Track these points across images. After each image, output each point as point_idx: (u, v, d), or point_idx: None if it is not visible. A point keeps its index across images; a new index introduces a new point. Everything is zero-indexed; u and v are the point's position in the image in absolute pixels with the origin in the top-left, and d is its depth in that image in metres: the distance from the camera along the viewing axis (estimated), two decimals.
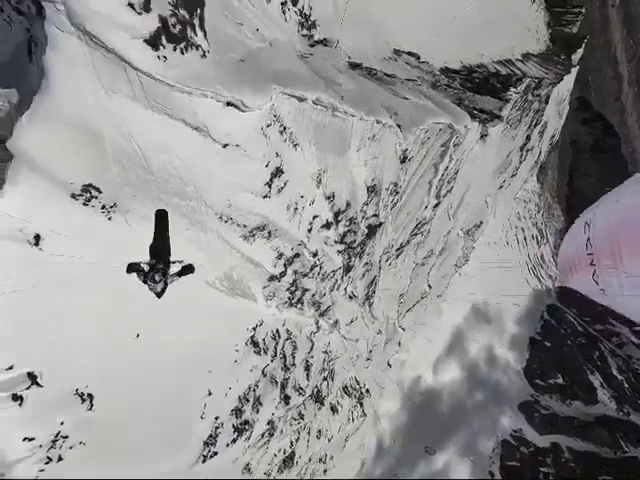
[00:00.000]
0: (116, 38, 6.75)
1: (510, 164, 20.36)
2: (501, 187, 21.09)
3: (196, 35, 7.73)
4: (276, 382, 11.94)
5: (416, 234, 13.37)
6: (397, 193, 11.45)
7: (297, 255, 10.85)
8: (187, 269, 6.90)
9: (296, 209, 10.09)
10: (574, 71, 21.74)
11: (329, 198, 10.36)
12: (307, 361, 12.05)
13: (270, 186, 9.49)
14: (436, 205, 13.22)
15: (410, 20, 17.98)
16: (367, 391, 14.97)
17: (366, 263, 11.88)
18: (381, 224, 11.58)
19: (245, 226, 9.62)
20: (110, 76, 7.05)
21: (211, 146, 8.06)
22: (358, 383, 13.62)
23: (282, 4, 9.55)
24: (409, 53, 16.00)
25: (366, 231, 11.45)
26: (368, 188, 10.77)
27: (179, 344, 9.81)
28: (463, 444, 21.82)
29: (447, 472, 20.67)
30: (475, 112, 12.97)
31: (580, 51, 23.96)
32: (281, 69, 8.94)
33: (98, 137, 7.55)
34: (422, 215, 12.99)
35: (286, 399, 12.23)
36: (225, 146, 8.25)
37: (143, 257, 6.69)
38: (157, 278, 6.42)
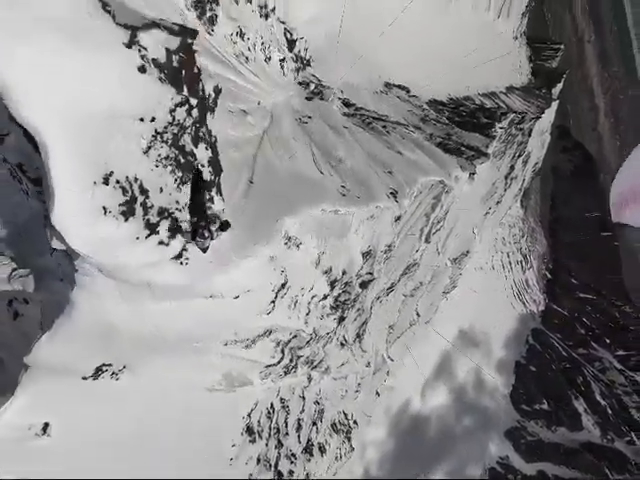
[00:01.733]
0: (144, 274, 7.32)
1: (496, 192, 20.95)
2: (487, 213, 21.60)
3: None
4: (270, 465, 11.94)
5: (406, 273, 13.57)
6: (391, 250, 11.67)
7: (295, 337, 11.06)
8: (225, 225, 7.33)
9: (296, 302, 10.35)
10: (554, 104, 22.75)
11: (326, 272, 10.50)
12: (299, 421, 11.92)
13: (275, 302, 9.79)
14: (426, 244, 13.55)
15: (400, 54, 18.62)
16: (355, 422, 14.79)
17: (358, 309, 11.96)
18: (374, 279, 11.77)
19: (247, 339, 9.83)
20: (133, 292, 7.56)
21: (223, 302, 8.38)
22: (346, 417, 13.46)
23: (281, 60, 9.85)
24: (399, 86, 16.51)
25: (360, 288, 11.60)
26: (363, 254, 10.95)
27: (177, 450, 9.83)
28: (451, 471, 21.64)
29: None
30: (463, 149, 13.39)
31: (560, 85, 25.15)
32: (285, 186, 9.17)
33: (114, 329, 7.95)
34: (413, 258, 13.23)
35: (279, 475, 12.19)
36: (236, 297, 8.56)
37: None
38: (206, 234, 6.87)
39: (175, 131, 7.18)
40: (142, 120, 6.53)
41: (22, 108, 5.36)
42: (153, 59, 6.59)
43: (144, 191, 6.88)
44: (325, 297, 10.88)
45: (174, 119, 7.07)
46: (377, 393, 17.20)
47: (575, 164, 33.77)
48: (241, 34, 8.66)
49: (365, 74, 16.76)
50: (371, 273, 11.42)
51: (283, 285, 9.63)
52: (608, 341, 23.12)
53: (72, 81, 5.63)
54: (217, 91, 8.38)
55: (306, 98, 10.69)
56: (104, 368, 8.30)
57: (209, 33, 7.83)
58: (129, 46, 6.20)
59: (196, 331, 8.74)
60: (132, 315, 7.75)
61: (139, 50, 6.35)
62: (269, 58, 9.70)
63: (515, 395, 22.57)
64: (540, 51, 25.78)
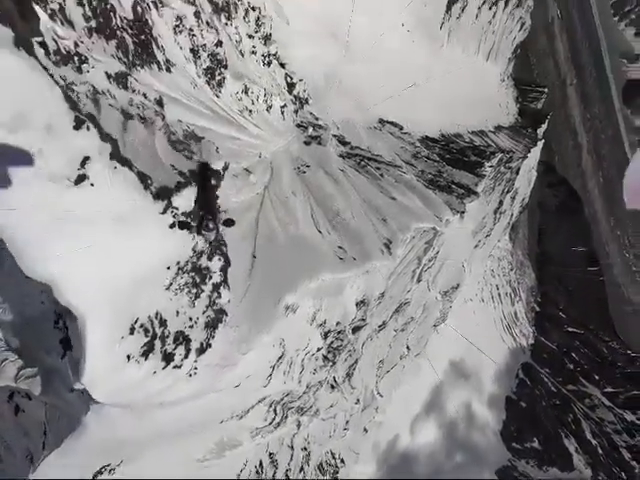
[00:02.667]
0: (157, 398, 7.72)
1: (485, 226, 21.36)
2: (477, 246, 21.92)
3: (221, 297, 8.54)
4: None
5: (398, 311, 13.60)
6: (384, 296, 11.79)
7: (287, 395, 10.99)
8: (229, 222, 7.42)
9: (291, 364, 10.41)
10: (540, 144, 23.69)
11: (320, 326, 10.56)
12: (287, 472, 11.54)
13: (272, 375, 9.90)
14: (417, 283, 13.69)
15: (394, 92, 19.36)
16: (342, 461, 14.27)
17: (349, 350, 11.88)
18: (367, 324, 11.82)
19: (242, 412, 9.85)
20: (143, 409, 7.85)
21: (224, 393, 8.48)
22: (333, 456, 13.00)
23: (282, 107, 10.32)
24: (392, 123, 17.08)
25: (352, 333, 11.62)
26: (357, 304, 11.05)
27: None
28: None
29: None
30: (453, 186, 13.77)
31: (544, 125, 26.31)
32: (286, 256, 9.54)
33: (119, 440, 8.08)
34: (405, 297, 13.31)
35: None
36: (237, 386, 8.72)
37: None
38: (211, 226, 6.88)
39: (195, 259, 7.63)
40: (169, 268, 7.02)
41: (65, 294, 5.66)
42: (183, 213, 7.15)
43: (163, 322, 7.34)
44: (318, 349, 10.80)
45: (195, 252, 7.49)
46: (365, 429, 16.72)
47: (560, 199, 34.84)
48: (245, 90, 9.13)
49: (360, 110, 17.34)
50: (364, 319, 11.44)
51: (280, 357, 9.65)
52: (597, 377, 23.08)
53: (110, 259, 6.15)
54: (225, 168, 8.75)
55: (304, 142, 11.06)
56: (102, 470, 8.31)
57: (217, 95, 8.29)
58: (164, 212, 6.70)
59: (195, 421, 8.81)
60: (139, 426, 7.70)
61: (172, 212, 6.86)
62: (270, 106, 10.16)
63: (506, 432, 22.15)
64: (526, 93, 27.09)
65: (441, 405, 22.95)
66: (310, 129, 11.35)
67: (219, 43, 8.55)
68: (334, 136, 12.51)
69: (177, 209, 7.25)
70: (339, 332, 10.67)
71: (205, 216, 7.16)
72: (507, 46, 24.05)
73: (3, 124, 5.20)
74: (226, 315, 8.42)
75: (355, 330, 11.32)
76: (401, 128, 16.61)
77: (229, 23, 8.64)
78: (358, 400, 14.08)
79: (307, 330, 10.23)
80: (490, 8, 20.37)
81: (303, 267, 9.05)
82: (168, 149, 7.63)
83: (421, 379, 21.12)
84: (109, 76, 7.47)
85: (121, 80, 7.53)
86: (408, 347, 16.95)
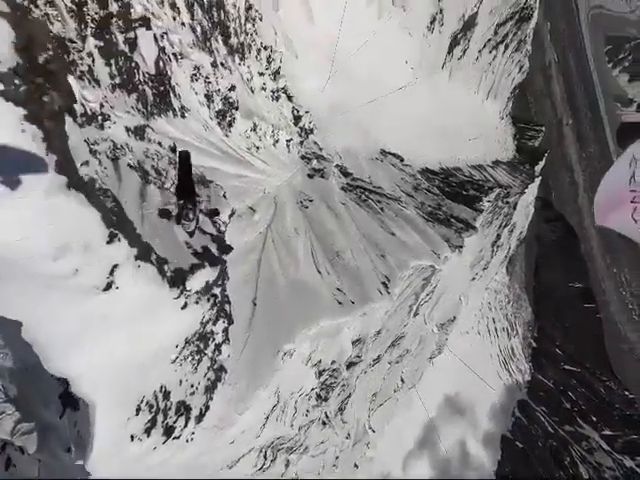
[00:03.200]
0: (156, 469, 7.76)
1: (482, 259, 21.44)
2: (474, 279, 21.91)
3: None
4: None
5: (394, 345, 13.48)
6: (380, 334, 11.77)
7: (279, 438, 10.86)
8: (213, 212, 7.39)
9: (284, 410, 10.38)
10: (537, 180, 24.17)
11: (315, 365, 10.53)
12: None
13: (265, 424, 9.91)
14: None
15: (396, 125, 19.93)
16: None
17: (342, 385, 11.68)
18: (362, 360, 11.73)
19: (233, 461, 9.82)
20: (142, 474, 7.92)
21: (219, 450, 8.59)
22: None
23: (288, 140, 10.69)
24: (394, 155, 17.49)
25: (347, 369, 11.51)
26: (354, 342, 11.04)
27: None
28: None
29: None
30: (452, 220, 13.95)
31: (542, 163, 26.97)
32: (286, 301, 9.77)
33: None
34: (401, 331, 13.23)
35: None
36: (232, 442, 8.78)
37: None
38: (191, 216, 6.86)
39: (201, 329, 7.80)
40: (177, 346, 7.27)
41: (82, 386, 6.20)
42: (196, 292, 7.42)
43: (166, 395, 7.51)
44: (312, 389, 10.65)
45: (202, 323, 7.69)
46: (356, 465, 16.11)
47: (557, 235, 35.18)
48: (254, 128, 9.55)
49: (363, 141, 17.79)
50: (359, 356, 11.32)
51: (275, 405, 9.57)
52: (594, 419, 22.55)
53: (124, 347, 6.38)
54: (231, 214, 9.02)
55: (308, 175, 11.33)
56: None
57: (227, 135, 8.70)
58: (178, 297, 7.00)
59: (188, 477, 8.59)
60: None
61: (185, 295, 7.16)
62: (277, 141, 10.53)
63: (501, 473, 21.39)
64: (524, 131, 27.93)
65: (435, 441, 22.24)
66: (314, 161, 11.65)
67: (232, 88, 9.02)
68: (337, 166, 12.78)
69: (190, 291, 7.46)
70: (334, 370, 10.52)
71: (185, 205, 7.12)
72: (506, 86, 24.99)
73: (49, 255, 5.67)
74: (225, 372, 8.55)
75: (349, 366, 11.15)
76: (402, 160, 16.99)
77: (242, 63, 9.14)
78: (349, 435, 13.63)
79: (302, 371, 10.19)
80: (490, 51, 21.30)
81: (302, 314, 9.09)
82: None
83: (414, 413, 20.56)
84: (128, 129, 7.99)
85: (139, 132, 8.05)
86: (402, 380, 16.61)
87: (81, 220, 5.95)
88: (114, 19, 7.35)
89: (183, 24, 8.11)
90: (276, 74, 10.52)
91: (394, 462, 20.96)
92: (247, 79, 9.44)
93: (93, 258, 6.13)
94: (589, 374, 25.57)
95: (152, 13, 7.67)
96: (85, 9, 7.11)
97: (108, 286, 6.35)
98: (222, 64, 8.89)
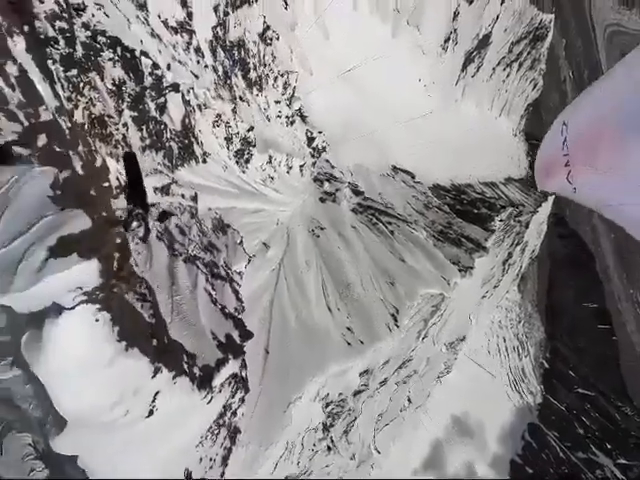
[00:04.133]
0: None
1: (493, 277, 21.12)
2: (484, 297, 21.57)
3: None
4: None
5: (401, 367, 13.31)
6: (388, 363, 11.70)
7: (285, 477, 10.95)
8: (164, 215, 7.21)
9: (291, 450, 10.48)
10: (551, 199, 23.85)
11: (323, 399, 10.56)
12: None
13: (274, 471, 10.08)
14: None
15: (408, 141, 19.98)
16: None
17: (348, 410, 11.58)
18: (369, 388, 11.66)
19: None
20: None
21: None
22: None
23: (300, 166, 11.08)
24: (405, 171, 17.50)
25: (353, 397, 11.46)
26: (361, 374, 11.03)
27: None
28: None
29: None
30: (463, 240, 13.84)
31: None
32: (297, 346, 10.08)
33: None
34: (409, 355, 13.08)
35: None
36: None
37: None
38: (138, 222, 6.67)
39: (222, 410, 8.20)
40: (201, 435, 7.74)
41: None
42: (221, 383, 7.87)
43: (189, 476, 7.84)
44: (319, 422, 10.66)
45: (224, 406, 8.12)
46: None
47: (571, 252, 34.41)
48: (270, 160, 10.01)
49: (375, 157, 17.87)
50: (366, 385, 11.25)
51: (283, 453, 9.72)
52: (609, 446, 21.73)
53: (158, 450, 7.16)
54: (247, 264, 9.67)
55: (320, 199, 11.52)
56: None
57: (243, 172, 9.19)
58: (206, 396, 7.44)
59: None
60: None
61: (212, 392, 7.61)
62: (291, 167, 10.90)
63: None
64: (536, 148, 27.72)
65: (441, 462, 21.69)
66: (326, 184, 11.88)
67: (251, 128, 9.64)
68: (348, 184, 12.87)
69: (215, 387, 7.99)
70: (341, 400, 10.46)
71: (135, 211, 7.08)
72: (520, 104, 24.90)
73: (106, 407, 6.38)
74: (239, 432, 8.75)
75: (356, 394, 11.06)
76: (413, 177, 16.99)
77: (259, 94, 9.69)
78: (354, 456, 13.40)
79: (310, 409, 10.22)
80: (504, 69, 21.31)
81: (312, 362, 9.26)
82: (209, 306, 8.34)
83: (421, 433, 20.14)
84: (155, 189, 8.73)
85: (165, 189, 8.85)
86: (409, 400, 16.33)
87: (135, 371, 6.65)
88: (147, 91, 8.07)
89: (206, 66, 8.66)
90: (291, 98, 10.95)
91: None
92: (264, 108, 9.97)
93: (141, 396, 6.81)
94: (604, 399, 24.72)
95: (178, 61, 8.33)
96: (123, 88, 7.79)
97: (150, 412, 7.00)
98: (240, 97, 9.42)
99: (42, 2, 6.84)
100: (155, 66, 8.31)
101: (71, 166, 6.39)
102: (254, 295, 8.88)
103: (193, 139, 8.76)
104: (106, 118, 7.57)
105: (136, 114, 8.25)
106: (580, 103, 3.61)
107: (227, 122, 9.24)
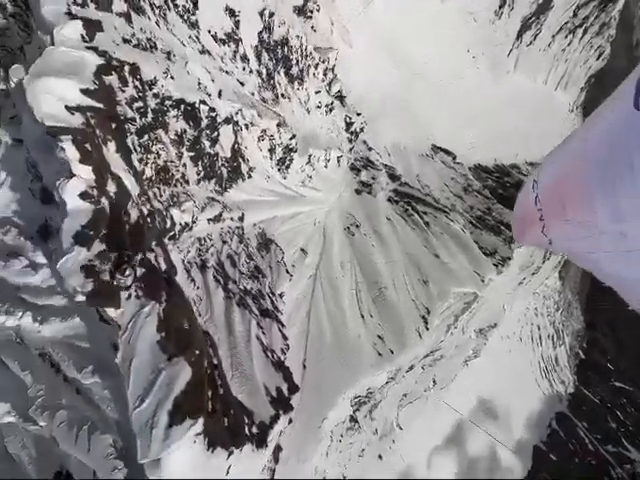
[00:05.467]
0: None
1: (532, 263, 20.22)
2: (520, 284, 20.81)
3: None
4: None
5: (428, 356, 13.33)
6: (417, 358, 11.73)
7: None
8: (148, 266, 6.83)
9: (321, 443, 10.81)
10: None
11: (352, 398, 10.81)
12: None
13: None
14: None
15: (451, 117, 18.93)
16: None
17: (375, 398, 11.87)
18: (395, 380, 11.81)
19: None
20: None
21: None
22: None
23: (338, 157, 11.09)
24: (445, 151, 16.73)
25: (379, 389, 11.68)
26: (389, 372, 11.12)
27: None
28: None
29: None
30: (502, 228, 13.23)
31: None
32: (331, 359, 10.28)
33: None
34: (437, 346, 13.02)
35: None
36: None
37: None
38: (127, 272, 6.49)
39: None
40: None
41: None
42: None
43: None
44: (346, 416, 11.11)
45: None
46: (380, 456, 16.53)
47: None
48: (309, 161, 10.14)
49: (414, 136, 17.18)
50: (393, 378, 11.46)
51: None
52: None
53: None
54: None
55: (356, 191, 11.45)
56: None
57: (284, 177, 9.46)
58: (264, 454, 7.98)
59: None
60: None
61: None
62: (328, 160, 10.90)
63: None
64: None
65: (463, 442, 22.04)
66: (363, 172, 11.76)
67: (293, 137, 9.90)
68: (384, 166, 12.55)
69: (270, 442, 8.29)
70: (369, 393, 10.79)
71: (120, 258, 6.57)
72: (580, 75, 22.61)
73: None
74: (281, 450, 9.38)
75: (383, 386, 11.35)
76: (454, 157, 16.24)
77: (300, 88, 9.83)
78: (376, 430, 13.97)
79: (339, 406, 10.59)
80: (566, 37, 19.28)
81: (344, 379, 9.59)
82: (261, 357, 8.99)
83: (445, 412, 20.43)
84: (209, 220, 9.62)
85: (217, 218, 9.69)
86: (435, 381, 16.51)
87: (217, 465, 6.91)
88: (204, 131, 8.56)
89: (251, 71, 9.03)
90: (331, 82, 10.86)
91: (419, 456, 21.13)
92: (304, 101, 10.15)
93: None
94: None
95: (226, 71, 8.70)
96: (184, 135, 8.41)
97: None
98: (282, 95, 9.72)
99: (123, 91, 7.69)
100: (211, 110, 9.06)
101: (166, 295, 6.94)
102: (294, 307, 9.35)
103: (240, 159, 9.31)
104: (169, 164, 8.33)
105: (193, 153, 9.09)
106: (548, 160, 3.89)
107: (271, 135, 9.54)
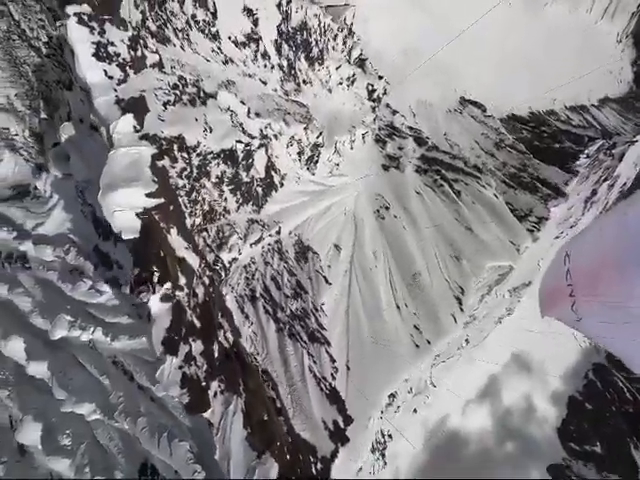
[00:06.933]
0: None
1: (571, 217, 19.24)
2: (557, 237, 20.00)
3: None
4: None
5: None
6: None
7: None
8: (163, 278, 7.37)
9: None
10: None
11: None
12: None
13: None
14: None
15: (480, 63, 17.48)
16: (390, 436, 15.19)
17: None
18: None
19: None
20: None
21: None
22: (382, 434, 13.89)
23: (363, 135, 10.95)
24: (475, 103, 15.65)
25: None
26: None
27: None
28: None
29: None
30: (538, 185, 12.49)
31: None
32: (372, 366, 10.35)
33: None
34: (471, 314, 12.92)
35: None
36: None
37: None
38: (147, 288, 6.86)
39: None
40: None
41: None
42: None
43: None
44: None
45: None
46: (415, 410, 17.36)
47: None
48: (335, 149, 10.00)
49: (440, 89, 16.11)
50: (433, 364, 11.62)
51: None
52: None
53: None
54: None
55: (383, 167, 11.15)
56: None
57: (313, 174, 9.50)
58: None
59: None
60: None
61: None
62: (353, 141, 10.69)
63: (565, 431, 21.33)
64: None
65: (497, 394, 22.59)
66: (389, 144, 11.40)
67: (320, 134, 10.57)
68: (410, 129, 11.99)
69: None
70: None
71: (142, 276, 6.83)
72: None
73: None
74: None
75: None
76: (484, 110, 15.17)
77: (322, 68, 9.74)
78: (411, 389, 14.56)
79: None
80: None
81: (384, 377, 9.82)
82: (316, 391, 9.42)
83: (478, 367, 20.84)
84: (251, 245, 10.08)
85: (257, 242, 10.10)
86: (467, 340, 16.71)
87: None
88: (241, 164, 9.53)
89: (272, 67, 9.00)
90: (351, 49, 10.54)
91: (453, 409, 21.96)
92: (326, 81, 10.02)
93: None
94: None
95: (249, 75, 8.81)
96: (224, 175, 9.38)
97: None
98: (304, 81, 9.68)
99: (174, 167, 8.47)
100: (247, 145, 9.53)
101: (243, 383, 7.43)
102: (334, 307, 9.66)
103: (273, 172, 9.53)
104: (212, 203, 8.75)
105: (233, 186, 9.68)
106: (583, 235, 3.84)
107: (299, 140, 9.49)
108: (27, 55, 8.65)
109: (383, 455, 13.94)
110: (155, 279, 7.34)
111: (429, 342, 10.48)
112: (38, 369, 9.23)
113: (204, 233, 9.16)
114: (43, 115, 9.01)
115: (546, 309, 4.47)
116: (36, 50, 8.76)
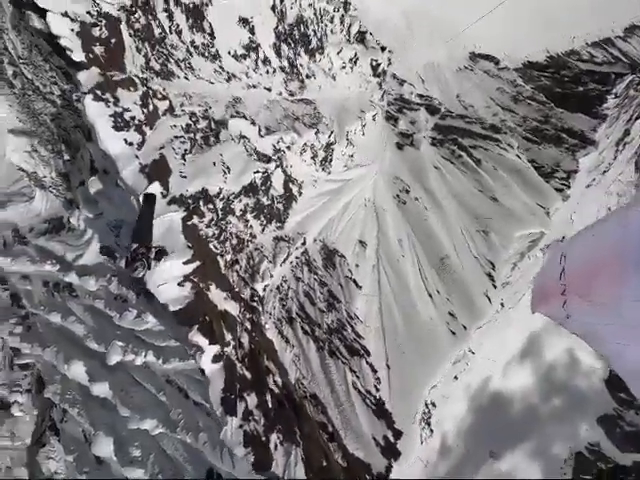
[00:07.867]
0: None
1: (603, 162, 18.15)
2: (589, 186, 18.98)
3: None
4: None
5: None
6: None
7: None
8: (161, 252, 7.58)
9: None
10: None
11: None
12: None
13: None
14: None
15: (488, 9, 16.37)
16: (433, 404, 15.45)
17: None
18: None
19: None
20: None
21: None
22: (427, 406, 14.16)
23: (373, 116, 10.83)
24: (486, 57, 14.77)
25: None
26: None
27: None
28: (532, 450, 21.52)
29: (513, 476, 20.71)
30: (563, 135, 11.77)
31: None
32: (410, 363, 10.38)
33: None
34: (505, 280, 12.61)
35: None
36: None
37: None
38: (141, 263, 6.73)
39: None
40: None
41: None
42: None
43: None
44: None
45: None
46: (456, 377, 17.47)
47: None
48: (348, 141, 9.79)
49: (446, 48, 15.30)
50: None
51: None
52: None
53: None
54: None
55: (397, 145, 10.91)
56: None
57: (329, 173, 9.47)
58: None
59: None
60: None
61: None
62: (364, 126, 10.51)
63: (613, 381, 20.96)
64: None
65: (539, 352, 22.34)
66: (400, 120, 11.08)
67: (331, 133, 10.37)
68: (420, 98, 11.54)
69: None
70: None
71: (138, 252, 6.68)
72: None
73: None
74: None
75: None
76: (497, 62, 14.28)
77: (322, 56, 9.60)
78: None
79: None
80: None
81: (425, 371, 9.82)
82: (363, 408, 9.50)
83: (516, 329, 20.57)
84: (281, 264, 10.11)
85: (285, 260, 10.11)
86: (502, 304, 16.43)
87: None
88: (260, 190, 9.45)
89: (274, 71, 9.56)
90: (350, 27, 10.20)
91: (494, 370, 21.94)
92: (328, 69, 9.83)
93: None
94: None
95: (253, 86, 8.76)
96: (247, 206, 9.63)
97: None
98: (307, 76, 9.54)
99: (202, 221, 8.52)
100: (264, 172, 9.56)
101: (299, 430, 8.05)
102: (366, 307, 9.69)
103: (291, 185, 9.49)
104: (239, 233, 9.31)
105: (255, 212, 9.73)
106: (580, 236, 3.84)
107: (312, 145, 9.41)
108: (43, 107, 9.10)
109: (429, 424, 14.26)
110: (152, 254, 7.40)
111: (465, 327, 10.49)
112: (101, 389, 10.04)
113: (236, 266, 9.40)
114: (66, 157, 9.47)
115: (537, 305, 4.62)
116: (51, 102, 9.12)
